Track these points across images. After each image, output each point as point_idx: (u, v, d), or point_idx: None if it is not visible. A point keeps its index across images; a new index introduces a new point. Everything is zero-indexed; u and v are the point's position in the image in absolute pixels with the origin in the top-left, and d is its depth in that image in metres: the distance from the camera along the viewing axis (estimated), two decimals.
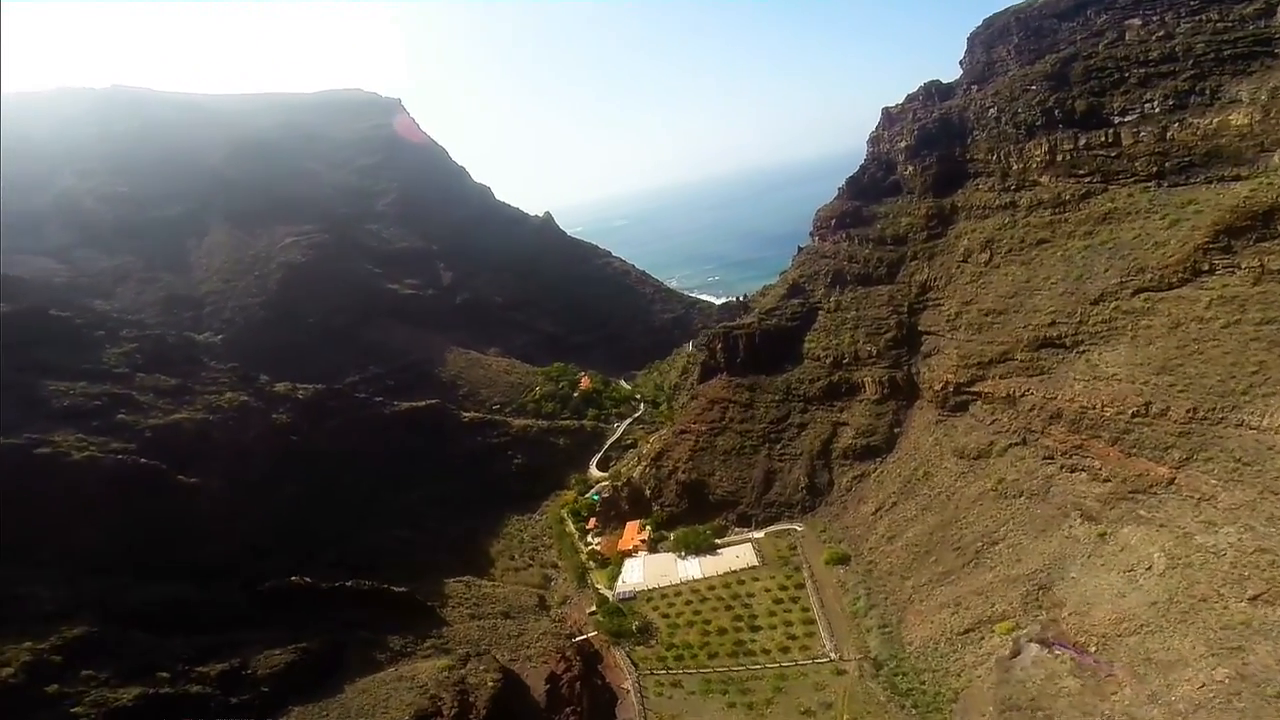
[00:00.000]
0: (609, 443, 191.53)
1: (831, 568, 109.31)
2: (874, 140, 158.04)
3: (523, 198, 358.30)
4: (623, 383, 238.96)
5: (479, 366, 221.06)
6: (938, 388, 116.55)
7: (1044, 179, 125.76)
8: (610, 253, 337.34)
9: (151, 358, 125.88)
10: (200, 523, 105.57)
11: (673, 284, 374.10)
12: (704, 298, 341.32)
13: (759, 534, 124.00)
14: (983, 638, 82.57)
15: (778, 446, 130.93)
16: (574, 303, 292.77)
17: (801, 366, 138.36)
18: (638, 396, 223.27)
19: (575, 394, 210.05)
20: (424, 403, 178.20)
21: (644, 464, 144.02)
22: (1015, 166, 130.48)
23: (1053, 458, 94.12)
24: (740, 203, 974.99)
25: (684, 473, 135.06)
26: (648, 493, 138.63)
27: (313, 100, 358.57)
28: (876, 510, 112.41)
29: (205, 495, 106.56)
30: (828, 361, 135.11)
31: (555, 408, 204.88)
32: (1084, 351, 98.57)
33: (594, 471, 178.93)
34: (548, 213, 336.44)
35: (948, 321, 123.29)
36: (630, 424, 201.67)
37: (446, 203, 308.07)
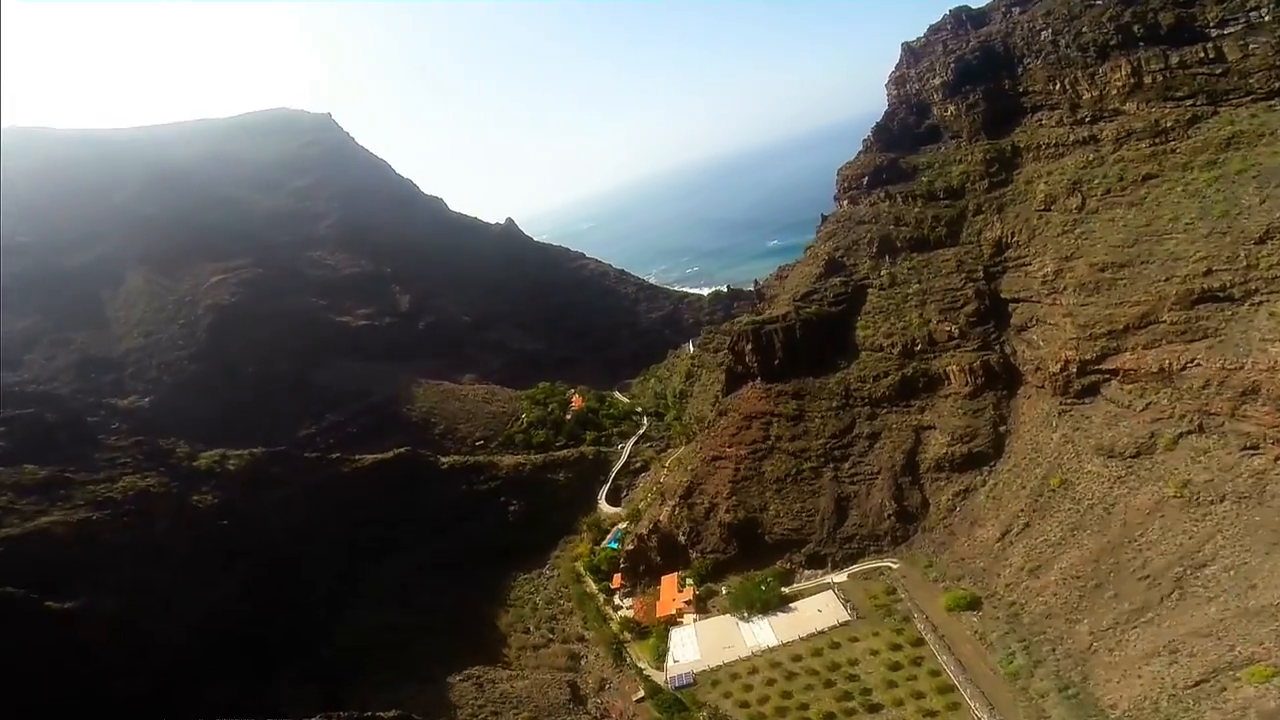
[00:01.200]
0: (616, 469, 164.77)
1: (957, 615, 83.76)
2: (897, 81, 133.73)
3: (479, 211, 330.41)
4: (618, 395, 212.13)
5: (454, 398, 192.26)
6: (1055, 369, 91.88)
7: (1129, 106, 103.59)
8: (583, 254, 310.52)
9: (24, 443, 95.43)
10: (92, 657, 76.14)
11: (651, 280, 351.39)
12: (689, 291, 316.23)
13: (840, 577, 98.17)
14: (1224, 689, 58.29)
15: (846, 465, 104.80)
16: (551, 313, 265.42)
17: (859, 361, 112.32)
18: (638, 410, 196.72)
19: (568, 416, 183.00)
20: (392, 452, 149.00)
21: (671, 503, 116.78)
22: (1088, 95, 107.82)
23: (1258, 447, 70.11)
24: (703, 192, 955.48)
25: (727, 510, 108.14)
26: (682, 538, 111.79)
27: (234, 123, 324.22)
28: (1003, 535, 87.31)
29: (92, 621, 76.82)
30: (894, 351, 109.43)
31: (547, 435, 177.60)
32: (1261, 303, 75.14)
33: (604, 507, 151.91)
34: (509, 219, 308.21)
35: (1044, 284, 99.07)
36: (636, 443, 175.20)
37: (396, 219, 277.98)
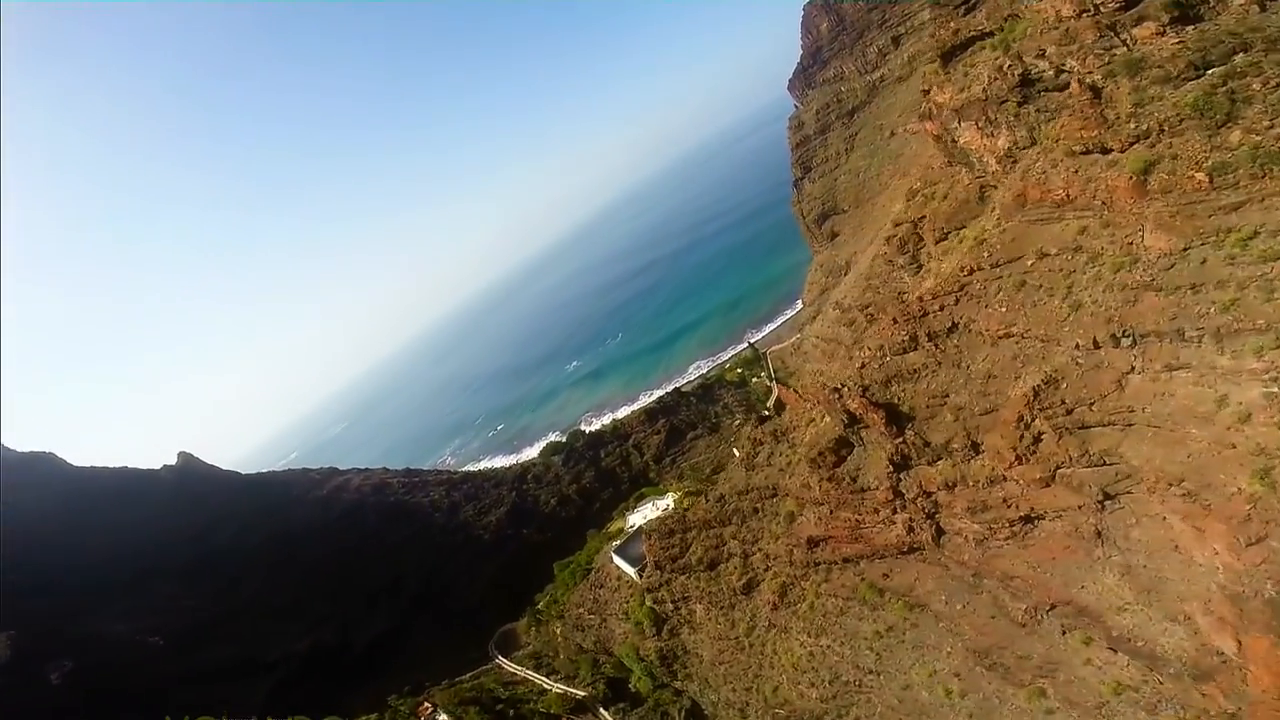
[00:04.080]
0: None
1: None
2: None
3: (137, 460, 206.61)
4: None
5: None
6: None
7: None
8: (337, 468, 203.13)
9: None
10: None
11: (449, 463, 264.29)
12: (515, 461, 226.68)
13: None
14: None
15: None
16: (316, 577, 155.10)
17: None
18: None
19: None
20: None
21: None
22: None
23: None
24: (456, 351, 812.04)
25: None
26: None
27: None
28: None
29: None
30: None
31: None
32: None
33: None
34: (183, 454, 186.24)
35: None
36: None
37: None
